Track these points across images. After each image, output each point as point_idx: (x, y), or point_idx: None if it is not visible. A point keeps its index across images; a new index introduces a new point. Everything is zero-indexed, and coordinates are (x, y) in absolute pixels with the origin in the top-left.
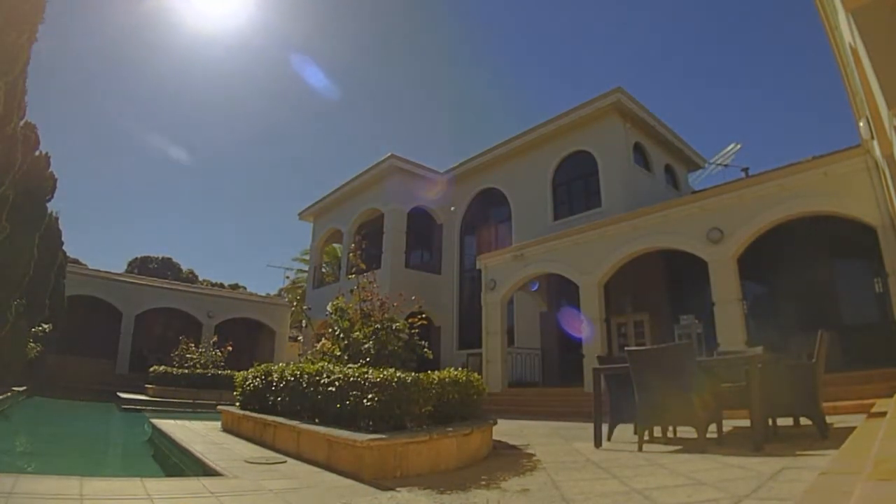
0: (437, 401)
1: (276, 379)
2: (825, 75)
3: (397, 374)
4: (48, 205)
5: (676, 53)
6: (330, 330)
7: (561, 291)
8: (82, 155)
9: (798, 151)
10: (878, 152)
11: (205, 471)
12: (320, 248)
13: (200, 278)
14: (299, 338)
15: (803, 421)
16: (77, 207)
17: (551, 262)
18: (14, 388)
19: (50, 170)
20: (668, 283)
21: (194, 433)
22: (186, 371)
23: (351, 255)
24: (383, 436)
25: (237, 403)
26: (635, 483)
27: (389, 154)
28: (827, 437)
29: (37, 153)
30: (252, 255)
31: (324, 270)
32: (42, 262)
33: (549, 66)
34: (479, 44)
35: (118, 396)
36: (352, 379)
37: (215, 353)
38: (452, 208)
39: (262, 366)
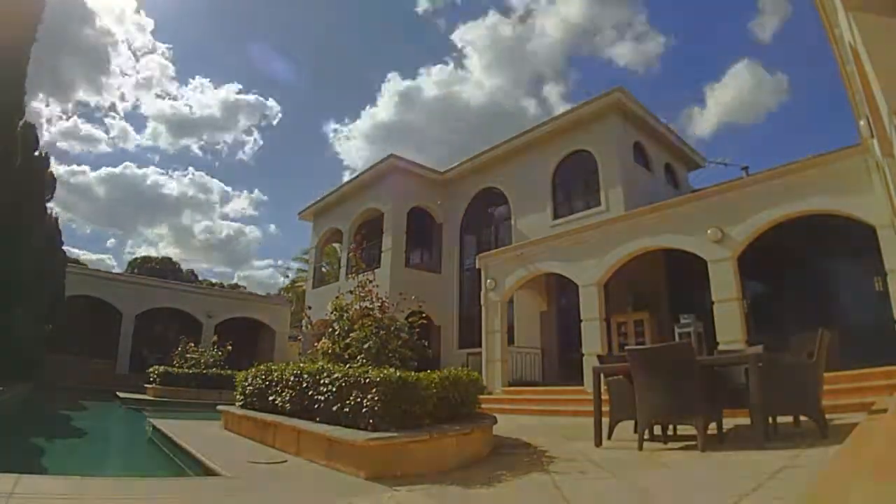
0: (437, 400)
1: (276, 379)
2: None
3: (398, 374)
4: (48, 205)
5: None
6: (330, 329)
7: (561, 291)
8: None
9: (797, 150)
10: (878, 151)
11: (205, 471)
12: (320, 248)
13: (200, 278)
14: (299, 337)
15: (803, 419)
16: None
17: (551, 261)
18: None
19: (49, 170)
20: (669, 281)
21: (194, 433)
22: (187, 371)
23: (351, 254)
24: (384, 435)
25: (238, 403)
26: (636, 482)
27: (389, 154)
28: (827, 435)
29: (36, 153)
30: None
31: (324, 270)
32: (42, 261)
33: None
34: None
35: (118, 396)
36: (352, 378)
37: (216, 353)
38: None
39: (263, 366)
